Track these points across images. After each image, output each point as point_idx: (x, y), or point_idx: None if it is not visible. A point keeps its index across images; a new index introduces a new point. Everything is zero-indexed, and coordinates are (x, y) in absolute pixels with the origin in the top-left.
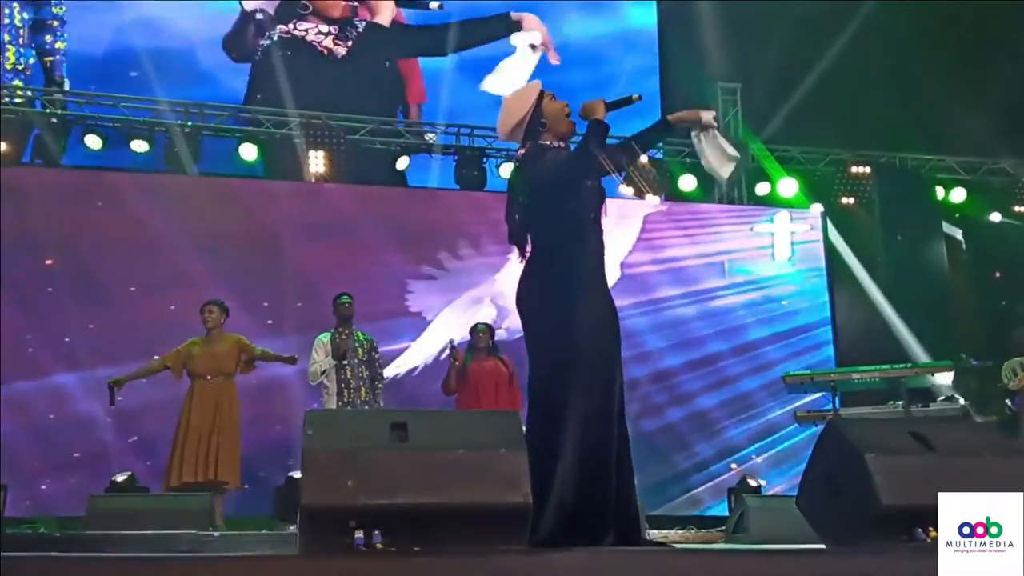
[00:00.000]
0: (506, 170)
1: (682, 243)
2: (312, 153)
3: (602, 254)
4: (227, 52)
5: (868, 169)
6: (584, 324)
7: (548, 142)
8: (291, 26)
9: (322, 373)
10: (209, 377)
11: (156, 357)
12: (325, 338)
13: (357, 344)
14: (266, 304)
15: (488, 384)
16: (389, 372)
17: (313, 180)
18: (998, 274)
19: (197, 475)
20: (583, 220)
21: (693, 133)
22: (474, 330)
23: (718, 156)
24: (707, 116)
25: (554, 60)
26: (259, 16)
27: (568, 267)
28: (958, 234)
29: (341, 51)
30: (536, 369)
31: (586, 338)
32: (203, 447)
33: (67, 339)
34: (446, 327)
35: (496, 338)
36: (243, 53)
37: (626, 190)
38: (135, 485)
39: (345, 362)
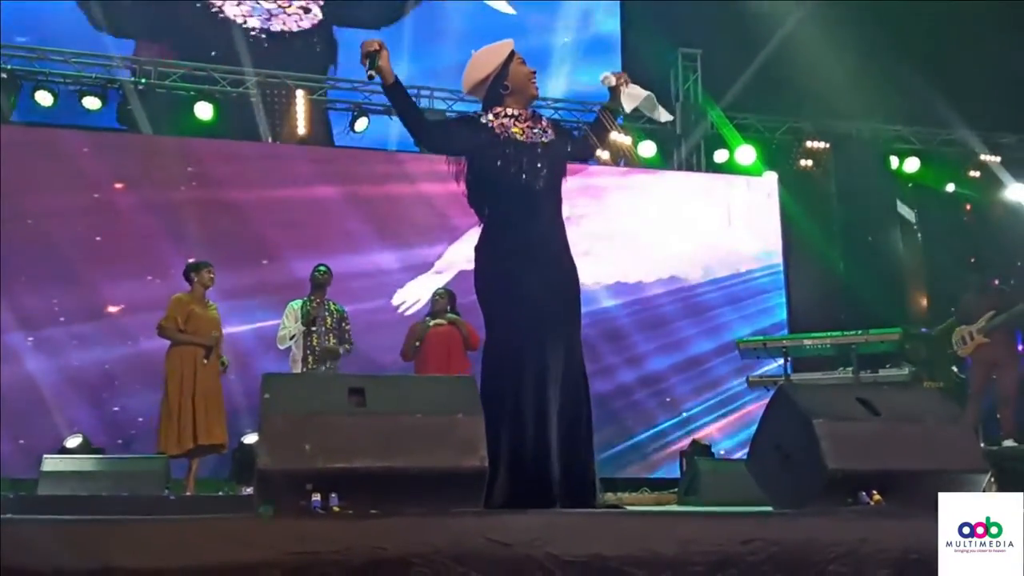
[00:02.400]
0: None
1: (639, 209)
2: (268, 112)
3: (551, 221)
4: None
5: (824, 142)
6: (528, 292)
7: (492, 112)
8: None
9: (291, 338)
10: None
11: (163, 325)
12: (296, 304)
13: (327, 313)
14: (231, 260)
15: (440, 349)
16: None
17: (270, 140)
18: (972, 259)
19: (200, 439)
20: (525, 189)
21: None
22: (432, 295)
23: (634, 100)
24: (609, 79)
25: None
26: None
27: (513, 234)
28: (911, 214)
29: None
30: (487, 335)
31: (529, 306)
32: (201, 411)
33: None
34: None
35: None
36: None
37: (602, 153)
38: (89, 447)
39: (313, 328)
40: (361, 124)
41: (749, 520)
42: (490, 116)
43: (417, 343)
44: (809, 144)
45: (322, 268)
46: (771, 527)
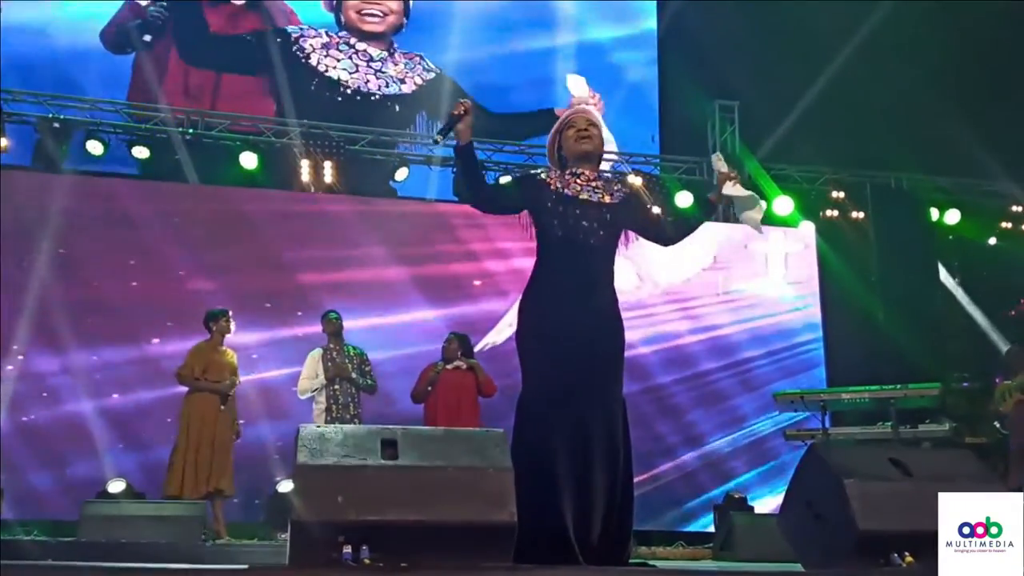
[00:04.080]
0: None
1: (675, 261)
2: (311, 163)
3: (597, 278)
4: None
5: (863, 193)
6: (562, 346)
7: (557, 172)
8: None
9: (312, 391)
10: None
11: (181, 373)
12: (317, 354)
13: (347, 359)
14: (268, 308)
15: (451, 394)
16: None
17: (311, 190)
18: (1012, 313)
19: (208, 485)
20: (573, 245)
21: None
22: (445, 340)
23: (742, 201)
24: (721, 165)
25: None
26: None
27: (552, 289)
28: (952, 268)
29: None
30: (522, 387)
31: (562, 360)
32: (222, 456)
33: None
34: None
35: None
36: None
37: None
38: (131, 491)
39: (336, 387)
40: (401, 174)
41: None
42: (551, 174)
43: (429, 387)
44: (846, 195)
45: (332, 315)
46: None
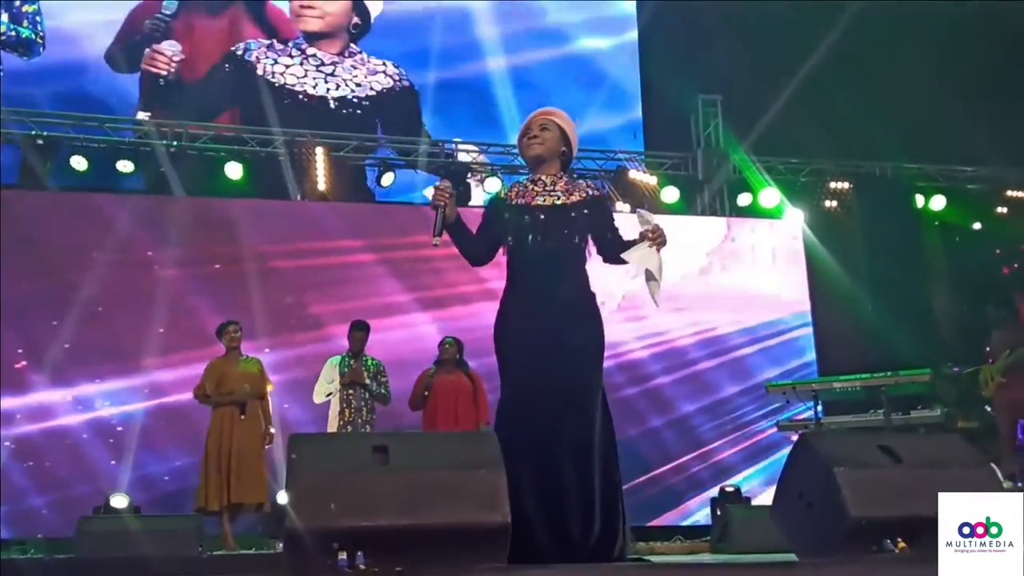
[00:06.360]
0: (490, 185)
1: (665, 254)
2: (297, 171)
3: (561, 279)
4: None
5: (848, 182)
6: (529, 352)
7: (520, 182)
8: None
9: (327, 395)
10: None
11: (195, 392)
12: (336, 361)
13: (364, 368)
14: (262, 320)
15: (448, 399)
16: None
17: (298, 198)
18: (979, 283)
19: (233, 496)
20: (531, 250)
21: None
22: (441, 343)
23: (643, 260)
24: (646, 222)
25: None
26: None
27: (516, 296)
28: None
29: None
30: (501, 392)
31: (528, 364)
32: (249, 466)
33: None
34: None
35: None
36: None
37: (622, 207)
38: (131, 507)
39: (351, 391)
40: (387, 179)
41: (774, 571)
42: (513, 186)
43: (426, 392)
44: (832, 185)
45: (359, 334)
46: None
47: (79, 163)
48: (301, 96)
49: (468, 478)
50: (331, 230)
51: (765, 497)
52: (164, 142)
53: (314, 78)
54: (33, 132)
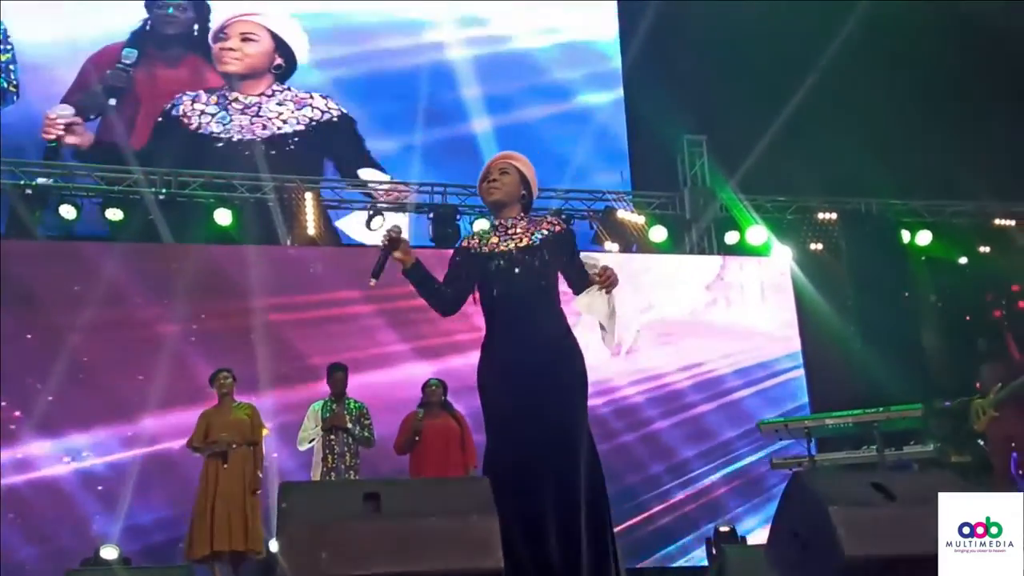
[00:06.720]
0: (479, 226)
1: (653, 294)
2: (285, 216)
3: (532, 319)
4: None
5: (834, 215)
6: (507, 397)
7: (482, 229)
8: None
9: (309, 441)
10: (235, 445)
11: (187, 443)
12: (318, 406)
13: (347, 412)
14: (251, 365)
15: (437, 443)
16: None
17: (288, 243)
18: (967, 317)
19: (217, 544)
20: (499, 296)
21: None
22: (426, 385)
23: (591, 308)
24: (595, 271)
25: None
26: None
27: (491, 343)
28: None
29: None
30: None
31: (507, 412)
32: (236, 516)
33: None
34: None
35: None
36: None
37: (611, 247)
38: (121, 557)
39: (332, 437)
40: (377, 223)
41: None
42: (475, 234)
43: (417, 437)
44: (819, 221)
45: (339, 375)
46: None
47: (68, 212)
48: (229, 141)
49: (461, 525)
50: (323, 277)
51: (762, 535)
52: (153, 190)
53: (239, 122)
54: (22, 182)
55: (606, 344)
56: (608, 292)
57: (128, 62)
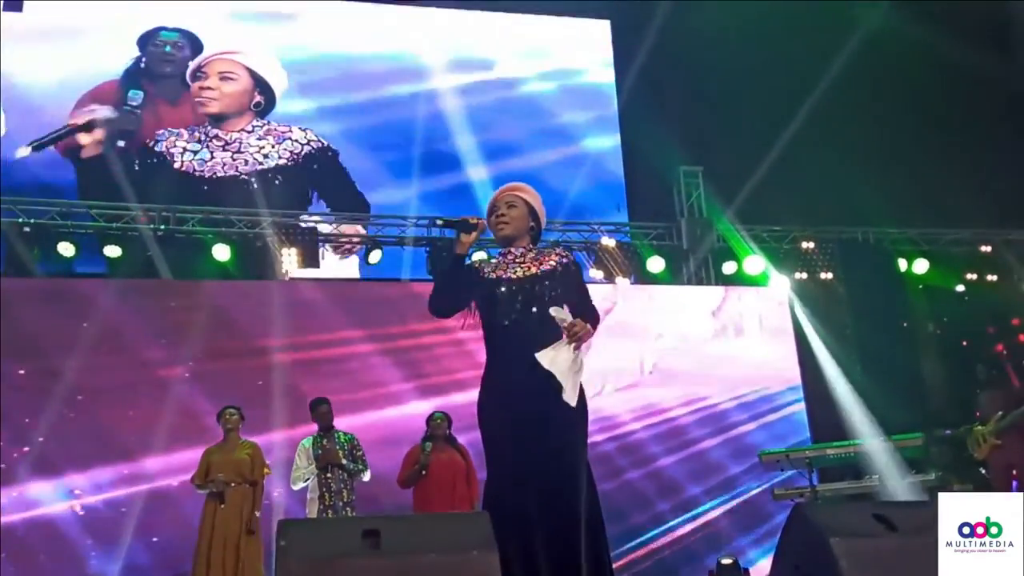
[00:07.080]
0: (478, 257)
1: (651, 326)
2: (285, 251)
3: (527, 351)
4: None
5: (831, 244)
6: (505, 427)
7: (495, 255)
8: None
9: (304, 480)
10: (233, 484)
11: (191, 481)
12: (307, 443)
13: (338, 446)
14: (250, 401)
15: (444, 479)
16: None
17: (287, 278)
18: (964, 343)
19: None
20: (495, 326)
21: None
22: (431, 419)
23: (551, 359)
24: (563, 321)
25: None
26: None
27: (491, 372)
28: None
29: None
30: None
31: (505, 442)
32: (231, 555)
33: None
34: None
35: None
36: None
37: (596, 274)
38: None
39: (328, 475)
40: (375, 256)
41: None
42: (484, 259)
43: (423, 471)
44: (816, 250)
45: (323, 408)
46: None
47: (66, 249)
48: (213, 178)
49: (460, 561)
50: (322, 312)
51: (764, 567)
52: (151, 226)
53: (220, 159)
54: (20, 220)
55: (562, 394)
56: (576, 347)
57: (135, 103)
